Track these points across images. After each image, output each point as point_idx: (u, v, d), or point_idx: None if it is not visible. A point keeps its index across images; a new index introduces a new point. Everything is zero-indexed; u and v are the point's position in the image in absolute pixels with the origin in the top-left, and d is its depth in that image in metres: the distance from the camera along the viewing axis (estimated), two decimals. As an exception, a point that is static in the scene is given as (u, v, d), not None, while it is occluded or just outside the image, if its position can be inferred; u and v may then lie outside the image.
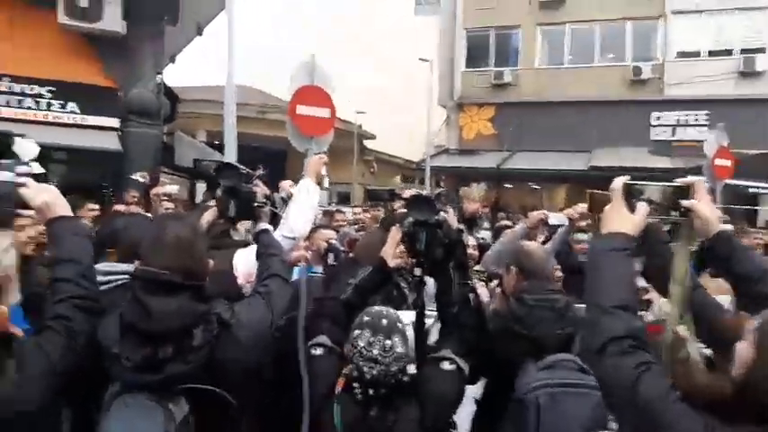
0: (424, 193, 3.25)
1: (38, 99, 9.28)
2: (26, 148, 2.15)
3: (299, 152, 7.27)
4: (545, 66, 20.97)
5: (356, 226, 7.60)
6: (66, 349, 1.66)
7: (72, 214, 1.89)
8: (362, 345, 2.03)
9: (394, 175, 31.91)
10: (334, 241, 3.52)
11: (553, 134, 19.35)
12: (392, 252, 2.41)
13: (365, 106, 26.61)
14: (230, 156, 7.80)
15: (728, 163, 11.26)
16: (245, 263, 2.35)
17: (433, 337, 2.42)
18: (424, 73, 23.82)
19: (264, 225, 2.39)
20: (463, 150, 21.77)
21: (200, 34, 13.12)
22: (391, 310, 2.16)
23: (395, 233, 2.41)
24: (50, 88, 9.32)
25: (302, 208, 2.64)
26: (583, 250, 3.82)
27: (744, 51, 18.04)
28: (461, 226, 2.83)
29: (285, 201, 2.71)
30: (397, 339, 2.05)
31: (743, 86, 17.95)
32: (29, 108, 9.19)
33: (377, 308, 2.17)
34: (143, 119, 9.71)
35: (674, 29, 18.88)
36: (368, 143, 30.08)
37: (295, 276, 2.49)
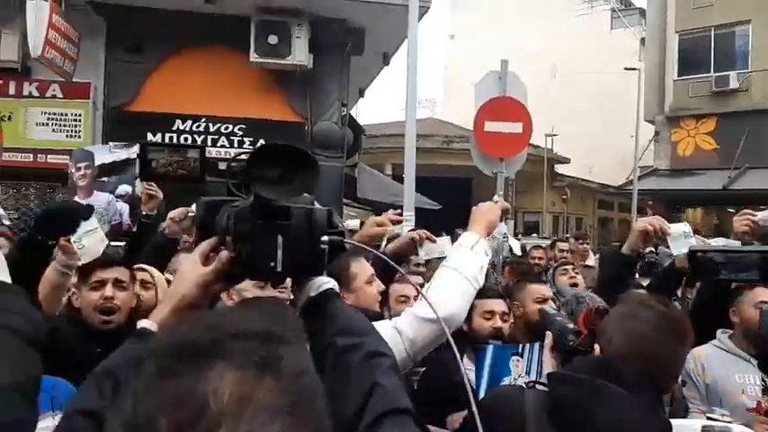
0: None
1: (231, 137, 9.52)
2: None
3: (486, 178, 6.30)
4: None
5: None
6: None
7: None
8: None
9: (589, 201, 29.25)
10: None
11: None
12: None
13: (558, 128, 24.80)
14: (409, 187, 7.03)
15: None
16: None
17: None
18: (626, 87, 21.41)
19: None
20: (676, 170, 18.90)
21: (387, 63, 12.88)
22: None
23: None
24: (241, 126, 9.52)
25: (454, 276, 1.62)
26: None
27: None
28: None
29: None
30: None
31: None
32: (222, 146, 9.45)
33: None
34: (327, 151, 9.52)
35: None
36: (559, 168, 27.99)
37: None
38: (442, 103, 32.65)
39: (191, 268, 1.12)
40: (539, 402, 1.30)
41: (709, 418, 2.20)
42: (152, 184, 3.06)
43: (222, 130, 9.51)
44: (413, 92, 7.26)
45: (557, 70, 27.97)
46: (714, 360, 2.59)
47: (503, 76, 6.07)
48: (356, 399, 0.97)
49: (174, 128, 9.37)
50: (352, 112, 14.62)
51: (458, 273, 1.62)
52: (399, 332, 1.52)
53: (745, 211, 2.76)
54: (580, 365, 1.36)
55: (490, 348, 2.29)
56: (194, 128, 9.44)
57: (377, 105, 23.28)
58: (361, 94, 14.06)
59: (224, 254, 1.10)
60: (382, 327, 1.51)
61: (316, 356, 1.03)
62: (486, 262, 1.71)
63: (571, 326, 1.78)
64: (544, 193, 24.94)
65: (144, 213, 3.21)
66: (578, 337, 1.71)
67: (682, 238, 2.46)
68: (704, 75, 18.45)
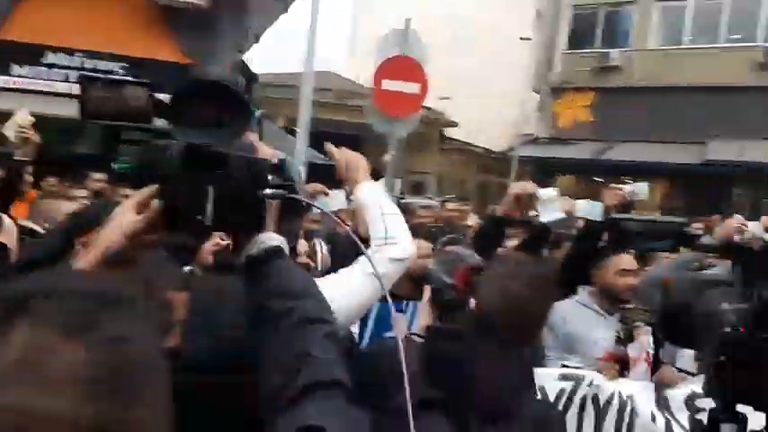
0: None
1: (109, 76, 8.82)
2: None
3: (374, 139, 6.36)
4: (659, 47, 18.87)
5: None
6: None
7: None
8: None
9: (472, 165, 30.42)
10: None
11: (660, 123, 17.36)
12: None
13: (449, 92, 25.30)
14: (302, 141, 6.96)
15: None
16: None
17: None
18: (519, 57, 22.20)
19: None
20: (554, 139, 20.12)
21: (286, 10, 12.43)
22: None
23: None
24: (123, 64, 8.84)
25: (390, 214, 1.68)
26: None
27: None
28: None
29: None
30: None
31: None
32: (100, 85, 8.74)
33: None
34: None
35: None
36: (448, 131, 28.78)
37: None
38: (343, 61, 32.16)
39: (121, 217, 1.02)
40: (415, 355, 1.36)
41: (563, 366, 2.45)
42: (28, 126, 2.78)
43: (100, 67, 8.76)
44: (313, 39, 7.10)
45: (457, 34, 28.38)
46: (574, 314, 2.88)
47: (404, 34, 6.09)
48: (284, 368, 0.91)
49: (46, 61, 8.51)
50: (245, 60, 14.03)
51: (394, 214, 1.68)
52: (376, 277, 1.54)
53: (615, 185, 3.07)
54: (457, 321, 1.45)
55: (376, 305, 2.37)
56: (69, 63, 8.62)
57: (273, 56, 22.48)
58: (257, 40, 13.50)
59: (156, 202, 1.00)
60: (356, 275, 1.53)
61: (251, 320, 0.99)
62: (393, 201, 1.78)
63: (449, 281, 1.89)
64: (432, 155, 25.57)
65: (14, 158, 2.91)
66: (456, 292, 1.83)
67: (549, 203, 2.68)
68: (589, 50, 19.58)
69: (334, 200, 2.92)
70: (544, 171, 21.32)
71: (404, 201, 8.66)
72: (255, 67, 19.17)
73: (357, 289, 1.49)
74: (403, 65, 5.96)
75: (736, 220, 3.56)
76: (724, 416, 0.90)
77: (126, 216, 1.02)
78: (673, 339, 1.56)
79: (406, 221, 1.72)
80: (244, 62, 9.95)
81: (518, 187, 2.69)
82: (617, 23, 19.56)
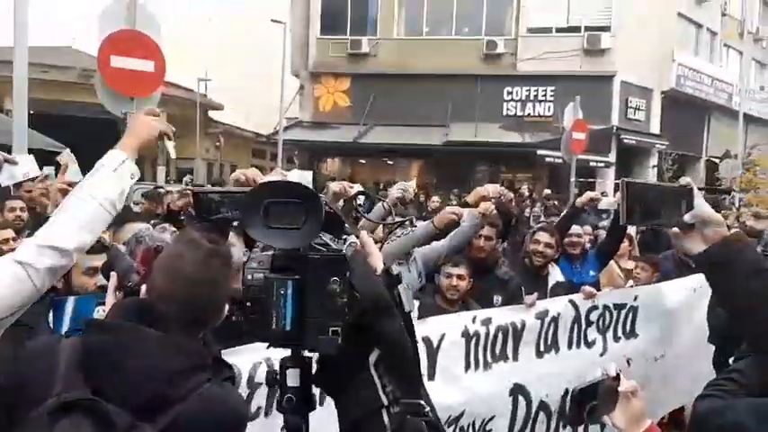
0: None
1: None
2: None
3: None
4: (403, 36, 20.43)
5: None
6: None
7: None
8: None
9: (244, 150, 29.91)
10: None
11: (410, 108, 18.92)
12: None
13: (211, 74, 24.38)
14: (21, 127, 5.98)
15: (583, 136, 11.39)
16: None
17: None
18: (275, 39, 22.12)
19: None
20: (317, 123, 20.68)
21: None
22: None
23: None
24: None
25: (84, 200, 1.53)
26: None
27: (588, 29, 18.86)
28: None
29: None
30: None
31: (587, 63, 18.84)
32: None
33: None
34: None
35: (528, 3, 19.18)
36: (213, 114, 27.75)
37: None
38: (84, 32, 28.66)
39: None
40: (73, 351, 1.23)
41: None
42: None
43: None
44: (23, 9, 6.11)
45: (211, 16, 27.31)
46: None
47: (131, 6, 5.56)
48: None
49: None
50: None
51: (92, 198, 1.51)
52: (22, 264, 1.40)
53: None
54: (117, 310, 1.33)
55: (70, 300, 2.13)
56: None
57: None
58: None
59: None
60: (2, 263, 1.41)
61: None
62: (128, 186, 1.59)
63: (135, 265, 1.75)
64: (197, 139, 24.45)
65: None
66: (139, 276, 1.69)
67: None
68: (342, 36, 20.38)
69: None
70: (311, 154, 21.81)
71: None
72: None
73: None
74: (132, 40, 5.45)
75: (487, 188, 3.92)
76: (289, 362, 0.93)
77: None
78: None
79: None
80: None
81: (238, 173, 2.59)
82: (364, 11, 20.62)
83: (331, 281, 0.87)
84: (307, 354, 0.93)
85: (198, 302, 1.32)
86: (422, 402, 0.89)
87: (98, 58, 5.49)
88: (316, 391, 0.96)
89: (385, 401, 0.86)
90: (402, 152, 20.25)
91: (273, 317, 0.88)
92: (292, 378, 0.93)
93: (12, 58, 6.07)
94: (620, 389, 1.50)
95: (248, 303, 0.89)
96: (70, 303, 2.10)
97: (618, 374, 1.51)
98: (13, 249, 1.72)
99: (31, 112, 6.35)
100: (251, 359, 2.05)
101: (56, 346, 1.25)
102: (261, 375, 2.08)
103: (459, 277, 3.30)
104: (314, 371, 0.95)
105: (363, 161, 22.80)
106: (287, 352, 0.94)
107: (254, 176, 2.45)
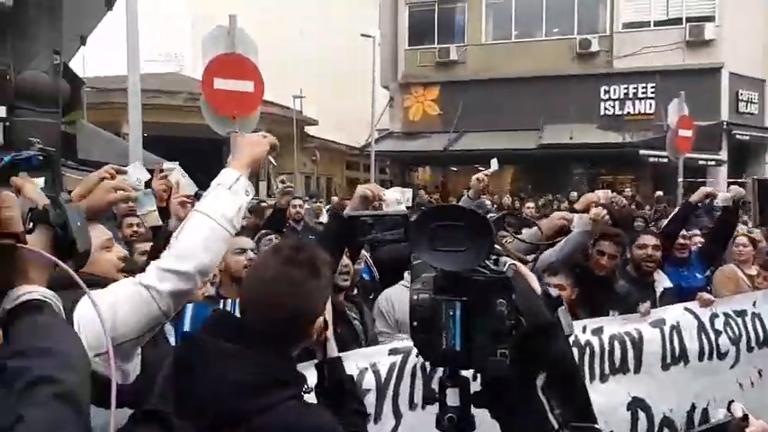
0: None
1: None
2: None
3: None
4: (491, 41, 20.19)
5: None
6: None
7: None
8: None
9: (338, 162, 30.64)
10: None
11: (502, 113, 18.62)
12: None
13: (304, 90, 25.18)
14: (135, 146, 6.48)
15: (689, 133, 10.67)
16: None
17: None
18: (366, 53, 22.55)
19: None
20: (408, 133, 20.83)
21: (111, 8, 11.54)
22: None
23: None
24: None
25: (202, 220, 1.51)
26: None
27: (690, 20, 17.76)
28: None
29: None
30: None
31: (690, 56, 17.70)
32: None
33: None
34: (39, 106, 8.22)
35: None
36: (309, 129, 28.66)
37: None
38: (191, 59, 30.64)
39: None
40: (169, 364, 1.29)
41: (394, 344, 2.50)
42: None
43: None
44: (134, 37, 6.63)
45: (303, 31, 28.28)
46: (402, 298, 2.94)
47: (231, 31, 5.88)
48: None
49: None
50: (76, 63, 12.87)
51: (209, 218, 1.49)
52: (147, 287, 1.39)
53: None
54: (208, 322, 1.35)
55: (190, 306, 2.26)
56: None
57: (110, 57, 20.89)
58: (83, 42, 12.44)
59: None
60: (124, 284, 1.41)
61: None
62: (245, 202, 1.58)
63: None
64: (294, 154, 25.34)
65: None
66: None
67: (395, 205, 2.68)
68: (429, 46, 20.45)
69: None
70: (402, 164, 21.99)
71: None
72: (90, 71, 17.81)
73: (123, 299, 1.37)
74: (233, 63, 5.76)
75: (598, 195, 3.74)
76: (449, 381, 0.93)
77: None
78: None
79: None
80: (66, 66, 9.07)
81: (363, 188, 2.63)
82: (451, 19, 20.59)
83: (498, 303, 0.88)
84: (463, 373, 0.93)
85: (278, 310, 1.30)
86: (596, 426, 0.87)
87: (202, 80, 5.85)
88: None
89: (555, 425, 0.85)
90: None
91: (444, 337, 0.90)
92: (452, 397, 0.94)
93: (126, 85, 6.61)
94: None
95: (414, 323, 0.90)
96: (189, 309, 2.25)
97: (746, 415, 1.35)
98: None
99: (145, 134, 6.88)
100: (357, 365, 2.07)
101: (165, 359, 1.32)
102: (369, 382, 2.11)
103: (559, 287, 3.18)
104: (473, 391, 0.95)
105: (455, 169, 22.67)
106: (395, 358, 0.95)
107: (378, 192, 2.55)
